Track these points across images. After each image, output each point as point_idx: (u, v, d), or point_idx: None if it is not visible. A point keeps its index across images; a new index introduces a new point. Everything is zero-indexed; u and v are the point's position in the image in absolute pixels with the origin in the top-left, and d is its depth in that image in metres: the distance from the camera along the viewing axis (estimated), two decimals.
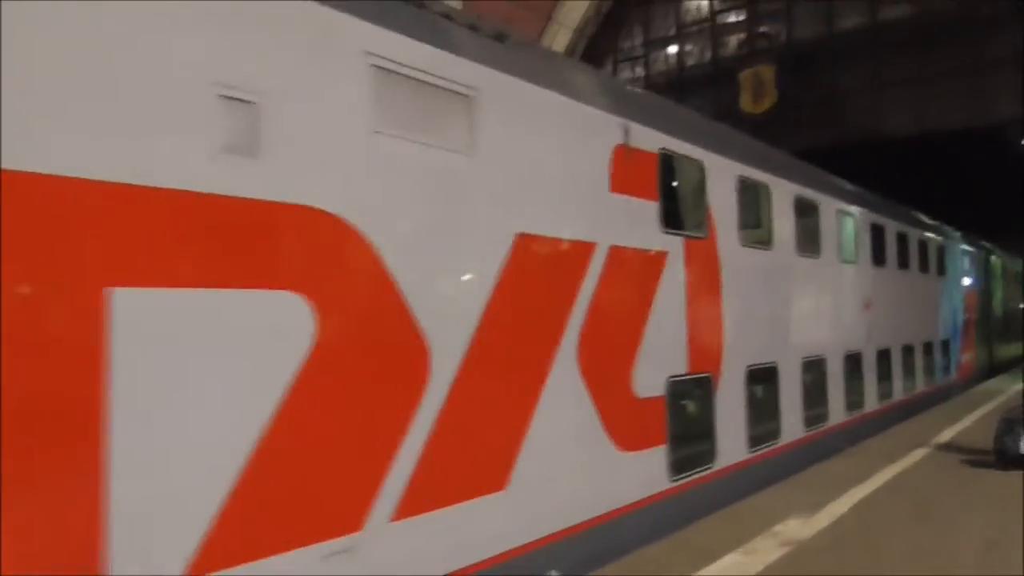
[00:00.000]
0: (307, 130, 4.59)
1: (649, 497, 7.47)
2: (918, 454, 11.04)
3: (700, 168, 8.62)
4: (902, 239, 16.06)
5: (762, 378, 9.83)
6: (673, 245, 8.06)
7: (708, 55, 28.85)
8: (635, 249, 7.51)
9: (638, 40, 30.26)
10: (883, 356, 14.47)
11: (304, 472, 4.46)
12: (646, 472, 7.50)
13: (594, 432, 6.85)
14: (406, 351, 5.15)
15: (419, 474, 5.11)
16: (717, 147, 9.09)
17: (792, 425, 10.55)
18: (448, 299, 5.53)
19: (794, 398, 10.69)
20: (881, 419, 13.94)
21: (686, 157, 8.40)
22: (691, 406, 8.61)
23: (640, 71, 29.98)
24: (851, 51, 25.43)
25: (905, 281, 16.29)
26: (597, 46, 29.59)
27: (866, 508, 8.01)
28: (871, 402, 13.80)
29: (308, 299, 4.51)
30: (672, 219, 8.01)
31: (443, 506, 5.32)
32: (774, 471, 9.65)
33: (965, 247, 22.20)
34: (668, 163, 8.00)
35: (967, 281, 22.32)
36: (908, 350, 16.16)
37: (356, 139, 4.88)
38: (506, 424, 5.95)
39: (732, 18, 28.54)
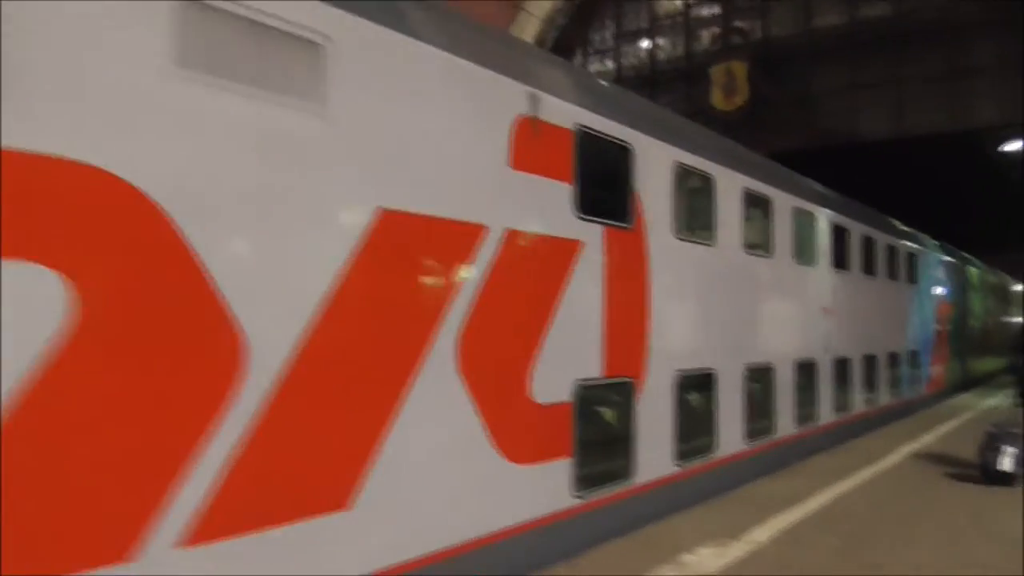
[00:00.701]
0: (71, 68, 3.69)
1: (548, 516, 6.61)
2: (866, 472, 10.22)
3: (627, 150, 7.75)
4: (868, 243, 15.24)
5: (696, 385, 8.98)
6: (590, 233, 7.19)
7: (681, 50, 27.93)
8: (540, 235, 6.65)
9: (609, 32, 29.30)
10: (841, 365, 13.63)
11: (49, 486, 3.57)
12: (544, 487, 6.63)
13: (476, 441, 5.96)
14: (210, 344, 4.25)
15: (224, 490, 4.21)
16: (649, 128, 8.21)
17: (730, 437, 9.70)
18: (277, 284, 4.61)
19: (734, 408, 9.83)
20: (836, 433, 13.12)
21: (610, 136, 7.53)
22: (606, 414, 7.74)
23: (611, 64, 29.03)
24: (828, 50, 24.63)
25: (871, 288, 15.48)
26: (567, 38, 28.62)
27: (791, 537, 7.14)
28: (826, 414, 12.95)
29: (64, 276, 3.62)
30: (590, 204, 7.13)
31: (256, 528, 4.43)
32: (706, 487, 8.81)
33: (941, 256, 21.47)
34: (586, 141, 7.12)
35: (941, 291, 21.57)
36: (871, 360, 15.35)
37: (148, 86, 3.98)
38: (353, 431, 5.05)
39: (706, 12, 27.66)
